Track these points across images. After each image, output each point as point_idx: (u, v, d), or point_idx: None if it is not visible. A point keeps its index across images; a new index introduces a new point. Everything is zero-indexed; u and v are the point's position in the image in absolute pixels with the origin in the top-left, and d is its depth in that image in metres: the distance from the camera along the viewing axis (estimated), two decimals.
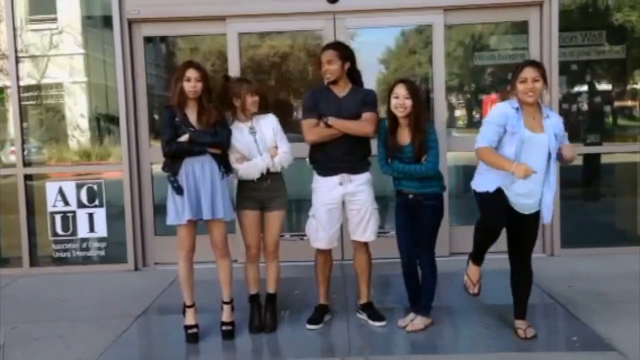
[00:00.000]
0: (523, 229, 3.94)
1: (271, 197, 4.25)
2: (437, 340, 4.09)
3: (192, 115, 4.07)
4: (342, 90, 4.28)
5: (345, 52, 4.24)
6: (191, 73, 4.03)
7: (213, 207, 4.05)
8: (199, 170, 4.01)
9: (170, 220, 4.05)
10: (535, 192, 3.86)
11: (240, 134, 4.19)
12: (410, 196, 4.10)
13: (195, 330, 4.12)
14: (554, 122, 3.85)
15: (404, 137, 4.05)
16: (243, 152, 4.16)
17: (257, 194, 4.22)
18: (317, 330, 4.27)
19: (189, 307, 4.15)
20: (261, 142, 4.21)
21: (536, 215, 3.91)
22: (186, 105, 4.06)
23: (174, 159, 4.02)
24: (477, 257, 4.07)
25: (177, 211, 4.01)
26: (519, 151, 3.80)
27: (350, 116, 4.18)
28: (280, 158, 4.18)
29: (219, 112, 4.13)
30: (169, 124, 4.02)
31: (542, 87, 3.79)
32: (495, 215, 3.89)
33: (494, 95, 6.52)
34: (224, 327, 4.19)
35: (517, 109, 3.83)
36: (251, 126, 4.23)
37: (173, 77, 4.12)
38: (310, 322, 4.32)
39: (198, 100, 4.06)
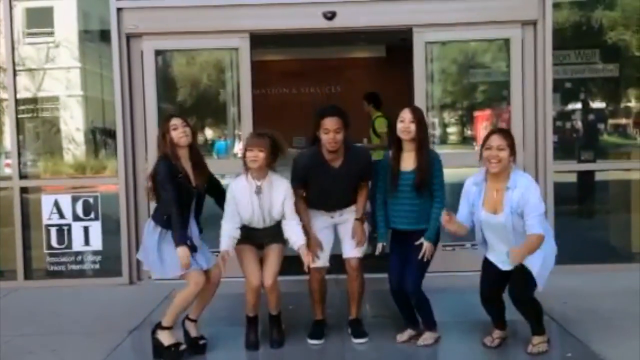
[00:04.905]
0: (511, 276, 3.95)
1: (269, 239, 4.25)
2: (434, 356, 4.12)
3: (186, 166, 4.05)
4: (337, 158, 4.14)
5: (347, 120, 4.08)
6: (175, 121, 4.02)
7: (206, 257, 4.13)
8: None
9: (171, 273, 4.01)
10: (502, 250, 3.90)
11: (243, 194, 4.11)
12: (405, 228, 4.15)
13: (185, 345, 4.09)
14: (517, 194, 3.77)
15: (408, 163, 4.08)
16: (243, 215, 4.14)
17: (254, 237, 4.24)
18: (319, 345, 4.26)
19: (169, 328, 4.06)
20: (266, 208, 4.13)
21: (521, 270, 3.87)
22: (179, 157, 4.02)
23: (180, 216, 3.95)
24: (493, 321, 4.17)
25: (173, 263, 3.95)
26: (482, 230, 3.95)
27: (345, 189, 4.20)
28: (296, 238, 4.10)
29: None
30: (170, 179, 3.94)
31: (509, 157, 3.80)
32: (483, 280, 4.08)
33: (487, 111, 6.61)
34: (201, 342, 4.18)
35: (480, 182, 3.92)
36: (259, 186, 4.12)
37: (159, 134, 4.11)
38: (312, 336, 4.30)
39: (189, 149, 4.06)
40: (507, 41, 5.95)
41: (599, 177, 6.34)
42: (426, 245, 4.04)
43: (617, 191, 6.47)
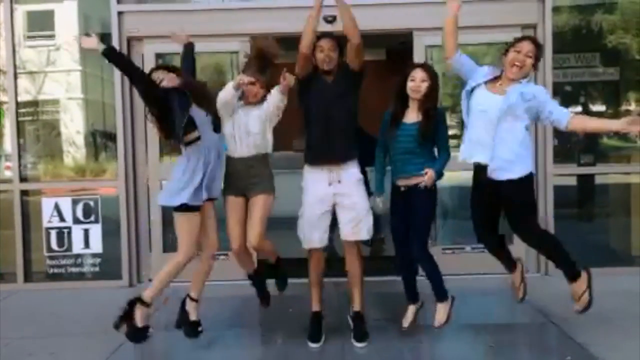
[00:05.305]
0: (504, 201, 3.88)
1: (252, 182, 4.15)
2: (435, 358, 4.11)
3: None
4: (331, 75, 4.30)
5: (340, 43, 4.28)
6: (156, 75, 3.97)
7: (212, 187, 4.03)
8: (214, 150, 3.98)
9: (182, 199, 3.83)
10: (484, 143, 3.83)
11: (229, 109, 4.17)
12: (402, 189, 4.10)
13: (152, 330, 4.07)
14: (525, 88, 3.76)
15: (412, 116, 4.09)
16: (224, 121, 4.18)
17: (237, 179, 4.17)
18: (318, 348, 4.22)
19: (148, 305, 4.00)
20: (243, 123, 4.15)
21: (511, 185, 3.82)
22: None
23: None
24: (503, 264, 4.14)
25: (189, 190, 3.84)
26: (468, 111, 3.91)
27: (340, 100, 4.23)
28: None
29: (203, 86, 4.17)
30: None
31: (531, 66, 3.80)
32: (472, 192, 4.02)
33: None
34: (199, 329, 4.12)
35: (493, 73, 3.89)
36: (240, 105, 4.20)
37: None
38: (311, 339, 4.26)
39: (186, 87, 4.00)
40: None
41: (599, 180, 6.34)
42: (430, 173, 3.95)
43: (617, 194, 6.47)
